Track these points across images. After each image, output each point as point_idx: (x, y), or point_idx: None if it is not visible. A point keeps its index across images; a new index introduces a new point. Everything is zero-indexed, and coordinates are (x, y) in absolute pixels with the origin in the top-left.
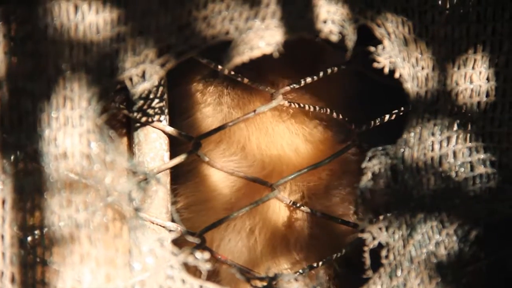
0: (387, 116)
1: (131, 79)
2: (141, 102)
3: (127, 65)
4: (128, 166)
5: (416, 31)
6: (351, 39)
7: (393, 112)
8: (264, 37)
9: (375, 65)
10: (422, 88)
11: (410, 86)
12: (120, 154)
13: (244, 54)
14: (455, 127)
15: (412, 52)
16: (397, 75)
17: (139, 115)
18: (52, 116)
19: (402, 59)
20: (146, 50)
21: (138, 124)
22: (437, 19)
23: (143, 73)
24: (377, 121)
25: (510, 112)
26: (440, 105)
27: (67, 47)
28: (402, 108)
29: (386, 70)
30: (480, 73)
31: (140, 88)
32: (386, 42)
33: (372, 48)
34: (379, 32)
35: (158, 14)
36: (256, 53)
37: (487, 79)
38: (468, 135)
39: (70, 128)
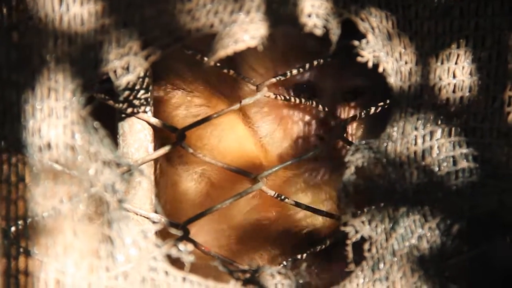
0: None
1: (115, 71)
2: (126, 93)
3: (111, 57)
4: (112, 157)
5: (400, 26)
6: (335, 33)
7: (377, 105)
8: (248, 31)
9: (359, 59)
10: (405, 82)
11: (393, 80)
12: (104, 146)
13: (228, 47)
14: (438, 122)
15: (396, 47)
16: (380, 69)
17: (124, 106)
18: (37, 107)
19: (385, 53)
20: (130, 42)
21: (123, 115)
22: (421, 13)
23: (128, 65)
24: (362, 114)
25: (492, 107)
26: (423, 99)
27: (52, 38)
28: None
29: (370, 64)
30: (463, 68)
31: (124, 80)
32: (370, 36)
33: (356, 42)
34: (363, 26)
35: (142, 7)
36: (241, 46)
37: (470, 74)
38: (451, 129)
39: (54, 119)
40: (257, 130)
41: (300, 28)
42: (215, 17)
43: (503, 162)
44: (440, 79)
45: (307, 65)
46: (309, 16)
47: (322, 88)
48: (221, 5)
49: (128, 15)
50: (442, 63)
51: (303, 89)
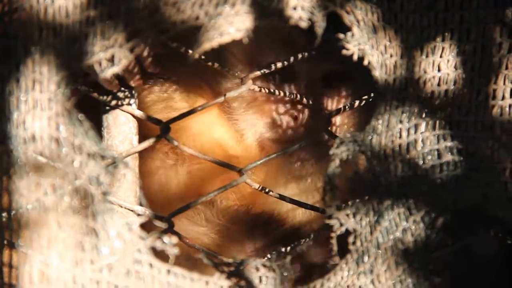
0: (356, 102)
1: (100, 63)
2: None
3: (96, 49)
4: (97, 149)
5: (385, 19)
6: (320, 26)
7: (362, 98)
8: (233, 23)
9: (344, 52)
10: (390, 75)
11: (378, 73)
12: (89, 138)
13: (213, 40)
14: (423, 115)
15: (381, 40)
16: (366, 62)
17: (109, 98)
18: (21, 99)
19: (370, 46)
20: (115, 34)
21: (107, 107)
22: (406, 6)
23: (112, 57)
24: (346, 107)
25: (477, 100)
26: (408, 92)
27: (37, 30)
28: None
29: (355, 57)
30: (448, 61)
31: (109, 72)
32: (355, 29)
33: (341, 35)
34: (348, 19)
35: None
36: (226, 39)
37: (455, 67)
38: (436, 122)
39: (39, 111)
40: (236, 122)
41: (285, 20)
42: (201, 10)
43: (487, 155)
44: (425, 72)
45: (291, 58)
46: (295, 8)
47: (298, 71)
48: None
49: (113, 7)
50: (427, 56)
51: (278, 73)
